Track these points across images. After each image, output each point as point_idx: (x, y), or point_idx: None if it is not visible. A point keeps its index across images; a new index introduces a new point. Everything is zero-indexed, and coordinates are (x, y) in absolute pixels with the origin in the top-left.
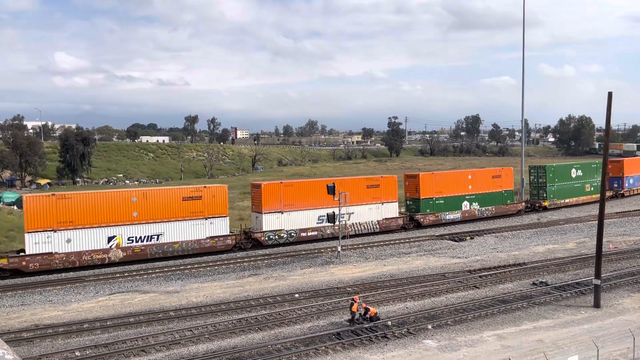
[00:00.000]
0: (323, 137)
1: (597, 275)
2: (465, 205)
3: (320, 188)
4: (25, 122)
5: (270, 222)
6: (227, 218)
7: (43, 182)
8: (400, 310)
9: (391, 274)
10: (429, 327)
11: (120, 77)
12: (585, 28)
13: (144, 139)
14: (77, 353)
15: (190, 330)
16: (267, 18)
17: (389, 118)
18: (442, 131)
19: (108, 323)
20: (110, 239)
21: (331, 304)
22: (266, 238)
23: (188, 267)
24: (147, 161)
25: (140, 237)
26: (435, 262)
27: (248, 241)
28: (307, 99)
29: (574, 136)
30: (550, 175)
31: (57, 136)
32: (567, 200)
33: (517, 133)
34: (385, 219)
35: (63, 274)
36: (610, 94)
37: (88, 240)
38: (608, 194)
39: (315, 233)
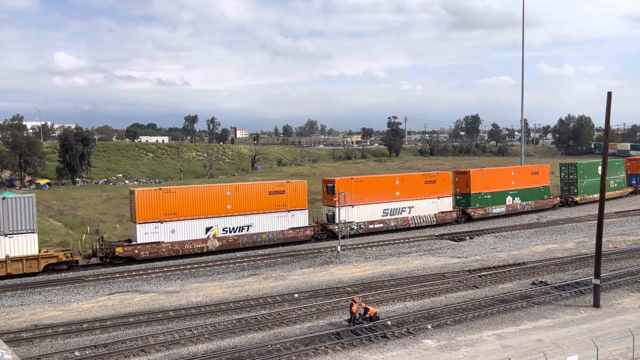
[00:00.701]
0: (323, 137)
1: (597, 275)
2: (509, 199)
3: (385, 184)
4: (24, 122)
5: (343, 214)
6: (306, 211)
7: (42, 182)
8: (400, 310)
9: (391, 273)
10: (429, 326)
11: (120, 76)
12: (584, 28)
13: (143, 139)
14: (77, 353)
15: (190, 330)
16: (266, 17)
17: (389, 118)
18: (442, 131)
19: (107, 323)
20: (207, 229)
21: (331, 303)
22: (339, 229)
23: (187, 267)
24: (146, 161)
25: (233, 228)
26: (434, 261)
27: (324, 232)
28: (306, 99)
29: (573, 136)
30: (581, 172)
31: (56, 136)
32: (594, 196)
33: (516, 133)
34: (441, 212)
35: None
36: (609, 94)
37: (189, 230)
38: (628, 190)
39: (381, 225)
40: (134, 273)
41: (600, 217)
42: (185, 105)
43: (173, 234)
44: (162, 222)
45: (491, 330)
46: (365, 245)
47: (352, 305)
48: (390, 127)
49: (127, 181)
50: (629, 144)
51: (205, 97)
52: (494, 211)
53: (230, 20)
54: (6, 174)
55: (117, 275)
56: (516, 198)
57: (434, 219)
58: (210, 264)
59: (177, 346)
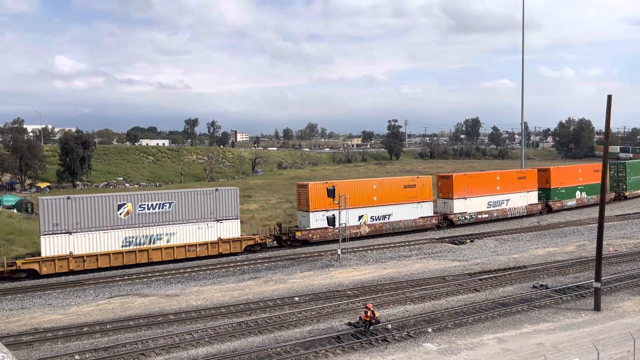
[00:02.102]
0: (323, 140)
1: (597, 278)
2: (578, 194)
3: (488, 179)
4: (25, 126)
5: (458, 206)
6: (432, 202)
7: (43, 185)
8: (401, 314)
9: (391, 277)
10: (429, 330)
11: (121, 80)
12: (584, 31)
13: (143, 142)
14: (77, 357)
15: (190, 334)
16: (266, 21)
17: (389, 121)
18: (442, 134)
19: (108, 326)
20: (359, 217)
21: (331, 307)
22: (457, 219)
23: (188, 270)
24: (147, 164)
25: (378, 216)
26: (435, 265)
27: (444, 221)
28: (306, 102)
29: (573, 139)
30: (629, 170)
31: (57, 139)
32: (638, 191)
33: (516, 136)
34: (530, 204)
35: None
36: (609, 97)
37: (347, 218)
38: None
39: (487, 215)
40: (134, 276)
41: (601, 220)
42: (186, 109)
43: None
44: (327, 210)
45: (492, 334)
46: (365, 248)
47: (366, 312)
48: (391, 130)
49: (127, 184)
50: (618, 147)
51: (206, 101)
52: (568, 204)
53: (230, 24)
54: (6, 177)
55: (117, 278)
56: (583, 192)
57: (525, 210)
58: (211, 267)
59: (177, 350)
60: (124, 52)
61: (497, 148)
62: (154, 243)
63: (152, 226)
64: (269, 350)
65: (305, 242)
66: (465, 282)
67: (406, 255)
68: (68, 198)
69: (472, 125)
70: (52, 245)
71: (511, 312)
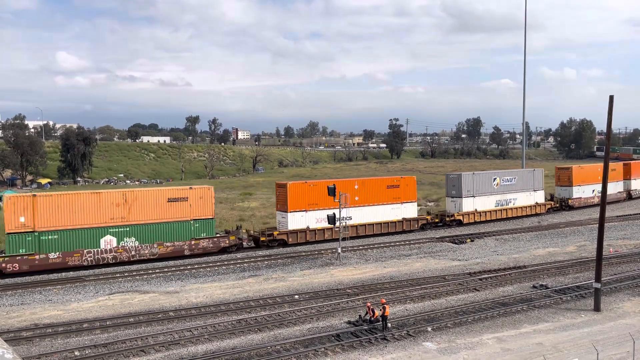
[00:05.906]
0: (324, 138)
1: (598, 278)
2: None
3: (637, 167)
4: (26, 122)
5: (635, 185)
6: (622, 182)
7: (44, 181)
8: (400, 313)
9: (391, 275)
10: (429, 329)
11: (122, 77)
12: (586, 32)
13: (145, 139)
14: (77, 353)
15: (190, 331)
16: (267, 19)
17: (390, 120)
18: (443, 133)
19: (107, 323)
20: (592, 190)
21: (331, 305)
22: (635, 194)
23: (188, 267)
24: (148, 161)
25: (599, 191)
26: (435, 264)
27: (627, 197)
28: (308, 101)
29: (574, 139)
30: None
31: (58, 136)
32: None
33: (518, 136)
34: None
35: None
36: (611, 98)
37: (585, 192)
38: None
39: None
40: (134, 273)
41: (602, 220)
42: (187, 106)
43: (583, 193)
44: (580, 186)
45: (491, 334)
46: (365, 247)
47: (384, 309)
48: (392, 129)
49: (128, 181)
50: (595, 147)
51: (207, 98)
52: None
53: (232, 22)
54: (8, 173)
55: (118, 275)
56: None
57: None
58: (211, 264)
59: (177, 347)
60: (125, 49)
61: (498, 148)
62: (507, 205)
63: (507, 193)
64: (269, 348)
65: (571, 208)
66: (465, 281)
67: (406, 254)
68: (473, 174)
69: (474, 125)
70: (464, 204)
71: (511, 312)
